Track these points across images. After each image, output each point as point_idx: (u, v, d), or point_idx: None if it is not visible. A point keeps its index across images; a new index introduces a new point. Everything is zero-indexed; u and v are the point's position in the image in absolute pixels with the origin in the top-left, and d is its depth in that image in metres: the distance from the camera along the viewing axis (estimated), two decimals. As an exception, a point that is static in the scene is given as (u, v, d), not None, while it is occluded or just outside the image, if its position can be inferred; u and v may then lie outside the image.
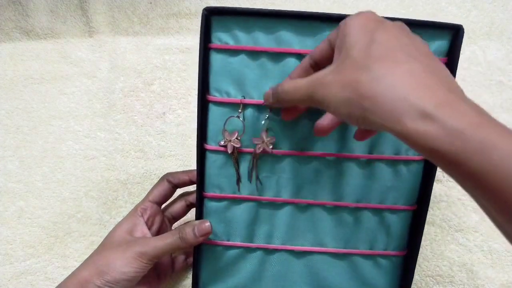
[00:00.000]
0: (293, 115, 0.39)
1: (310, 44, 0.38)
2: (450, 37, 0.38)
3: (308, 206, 0.43)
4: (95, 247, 0.50)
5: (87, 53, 0.59)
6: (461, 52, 0.56)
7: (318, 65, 0.34)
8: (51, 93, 0.58)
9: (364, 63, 0.26)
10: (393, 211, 0.42)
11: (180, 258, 0.50)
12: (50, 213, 0.55)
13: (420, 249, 0.52)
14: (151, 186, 0.49)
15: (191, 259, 0.50)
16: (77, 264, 0.53)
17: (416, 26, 0.37)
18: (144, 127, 0.57)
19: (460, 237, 0.53)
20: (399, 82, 0.25)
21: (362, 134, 0.38)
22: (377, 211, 0.42)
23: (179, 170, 0.56)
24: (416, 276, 0.52)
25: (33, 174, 0.56)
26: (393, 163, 0.41)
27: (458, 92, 0.26)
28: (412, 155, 0.41)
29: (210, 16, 0.38)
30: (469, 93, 0.58)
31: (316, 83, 0.30)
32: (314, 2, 0.58)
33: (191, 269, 0.52)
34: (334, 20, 0.37)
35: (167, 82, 0.58)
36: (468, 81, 0.56)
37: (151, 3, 0.59)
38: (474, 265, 0.52)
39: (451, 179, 0.54)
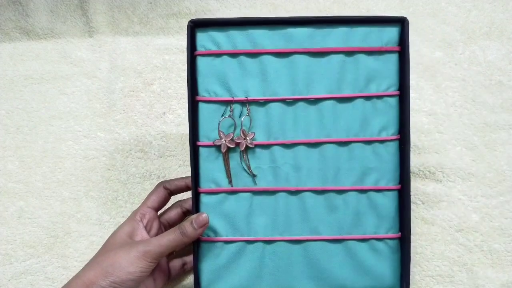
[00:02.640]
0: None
1: (280, 43, 0.43)
2: (399, 28, 0.43)
3: (298, 192, 0.45)
4: (95, 247, 0.50)
5: (87, 53, 0.59)
6: (461, 52, 0.56)
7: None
8: (51, 93, 0.58)
9: None
10: (378, 191, 0.44)
11: (177, 264, 0.50)
12: (50, 213, 0.55)
13: (421, 249, 0.53)
14: (151, 186, 0.49)
15: (188, 266, 0.50)
16: (77, 264, 0.54)
17: (366, 22, 0.43)
18: (144, 127, 0.57)
19: (460, 237, 0.53)
20: None
21: None
22: (363, 192, 0.44)
23: (179, 169, 0.56)
24: (416, 276, 0.52)
25: (33, 174, 0.56)
26: (370, 143, 0.44)
27: None
28: (386, 135, 0.44)
29: (195, 27, 0.43)
30: (469, 93, 0.59)
31: None
32: (313, 2, 0.58)
33: (189, 274, 0.52)
34: (299, 23, 0.43)
35: (167, 82, 0.58)
36: (468, 81, 0.56)
37: (151, 3, 0.59)
38: (474, 265, 0.52)
39: (451, 179, 0.54)
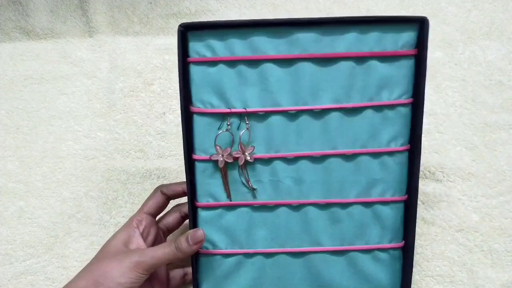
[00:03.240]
0: None
1: (283, 49, 0.39)
2: (417, 29, 0.40)
3: (300, 206, 0.43)
4: (95, 247, 0.50)
5: (87, 53, 0.59)
6: (461, 52, 0.56)
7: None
8: (51, 93, 0.58)
9: None
10: (384, 203, 0.43)
11: (178, 274, 0.49)
12: (50, 213, 0.55)
13: (421, 249, 0.52)
14: (151, 186, 0.49)
15: (189, 277, 0.50)
16: (77, 264, 0.54)
17: (383, 22, 0.39)
18: (144, 127, 0.57)
19: (460, 237, 0.53)
20: None
21: None
22: (368, 204, 0.43)
23: (179, 169, 0.56)
24: (416, 276, 0.52)
25: (33, 174, 0.56)
26: (377, 155, 0.42)
27: None
28: (395, 146, 0.41)
29: (186, 32, 0.39)
30: (469, 93, 0.59)
31: None
32: (314, 2, 0.58)
33: (190, 285, 0.52)
34: (303, 24, 0.39)
35: (167, 82, 0.58)
36: (468, 81, 0.56)
37: (151, 3, 0.59)
38: (474, 265, 0.52)
39: (451, 179, 0.54)
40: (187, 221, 0.50)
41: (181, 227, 0.51)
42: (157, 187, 0.48)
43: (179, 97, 0.56)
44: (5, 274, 0.54)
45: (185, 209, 0.49)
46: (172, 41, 0.58)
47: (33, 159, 0.56)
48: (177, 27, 0.58)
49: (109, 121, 0.57)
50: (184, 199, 0.52)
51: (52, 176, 0.56)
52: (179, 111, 0.57)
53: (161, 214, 0.49)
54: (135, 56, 0.58)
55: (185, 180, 0.43)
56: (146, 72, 0.58)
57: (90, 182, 0.56)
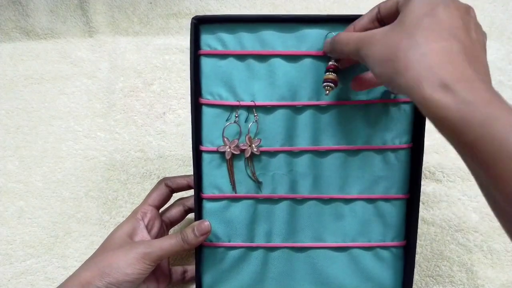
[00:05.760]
0: (348, 63, 0.40)
1: (291, 44, 0.40)
2: None
3: (304, 200, 0.43)
4: (95, 247, 0.50)
5: (87, 53, 0.59)
6: (461, 52, 0.56)
7: (383, 19, 0.35)
8: (51, 93, 0.58)
9: (410, 30, 0.29)
10: (386, 200, 0.43)
11: (178, 270, 0.50)
12: (50, 213, 0.55)
13: (420, 249, 0.53)
14: (151, 186, 0.49)
15: (189, 274, 0.50)
16: (77, 264, 0.54)
17: None
18: (144, 127, 0.57)
19: (460, 237, 0.53)
20: (432, 54, 0.27)
21: (359, 85, 0.40)
22: (371, 201, 0.43)
23: (179, 169, 0.56)
24: (416, 276, 0.52)
25: (33, 174, 0.56)
26: (381, 151, 0.42)
27: (483, 75, 0.28)
28: (398, 143, 0.42)
29: (199, 25, 0.40)
30: (469, 93, 0.57)
31: (365, 40, 0.32)
32: (314, 2, 0.58)
33: (189, 282, 0.52)
34: (310, 21, 0.40)
35: (167, 82, 0.58)
36: (468, 81, 0.56)
37: (151, 3, 0.59)
38: (474, 265, 0.52)
39: (451, 179, 0.54)
40: (189, 215, 0.50)
41: (184, 220, 0.51)
42: (161, 180, 0.48)
43: (179, 97, 0.57)
44: (5, 274, 0.54)
45: (189, 202, 0.49)
46: (172, 41, 0.58)
47: (33, 159, 0.56)
48: (177, 27, 0.59)
49: (109, 121, 0.57)
50: (188, 193, 0.52)
51: (52, 176, 0.56)
52: (179, 111, 0.57)
53: (164, 207, 0.49)
54: (135, 56, 0.58)
55: (189, 173, 0.43)
56: (146, 72, 0.58)
57: (90, 182, 0.56)
